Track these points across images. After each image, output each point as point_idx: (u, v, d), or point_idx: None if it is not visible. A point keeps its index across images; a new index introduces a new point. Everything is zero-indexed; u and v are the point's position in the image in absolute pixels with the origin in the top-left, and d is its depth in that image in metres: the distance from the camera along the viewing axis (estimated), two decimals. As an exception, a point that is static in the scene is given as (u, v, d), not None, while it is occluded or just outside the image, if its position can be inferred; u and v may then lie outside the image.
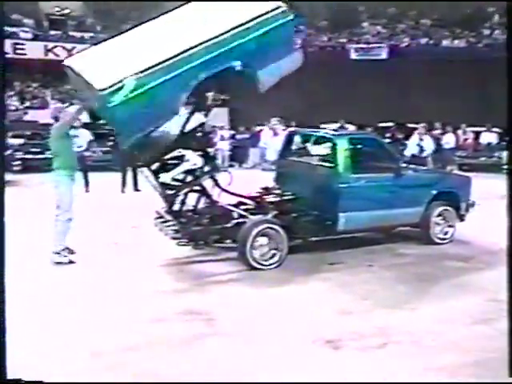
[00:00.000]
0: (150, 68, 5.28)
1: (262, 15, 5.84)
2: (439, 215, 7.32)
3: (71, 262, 6.30)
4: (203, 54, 5.49)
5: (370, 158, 7.36)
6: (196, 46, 5.48)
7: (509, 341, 3.37)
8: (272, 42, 5.82)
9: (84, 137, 12.18)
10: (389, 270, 6.26)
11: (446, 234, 7.39)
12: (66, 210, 6.30)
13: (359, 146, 7.32)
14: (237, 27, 5.72)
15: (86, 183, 12.24)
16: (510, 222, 3.27)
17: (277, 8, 5.94)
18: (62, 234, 6.32)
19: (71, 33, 27.53)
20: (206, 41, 5.53)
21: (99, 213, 9.45)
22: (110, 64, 5.58)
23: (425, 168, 10.03)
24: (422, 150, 13.00)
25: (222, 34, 5.63)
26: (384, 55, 24.66)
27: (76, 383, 3.62)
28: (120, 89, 5.11)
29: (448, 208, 7.33)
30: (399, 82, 21.77)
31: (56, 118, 6.77)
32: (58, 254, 6.30)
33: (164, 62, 5.34)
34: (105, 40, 6.40)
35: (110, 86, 5.15)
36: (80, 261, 6.40)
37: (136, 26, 6.40)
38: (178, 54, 5.40)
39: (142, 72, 5.24)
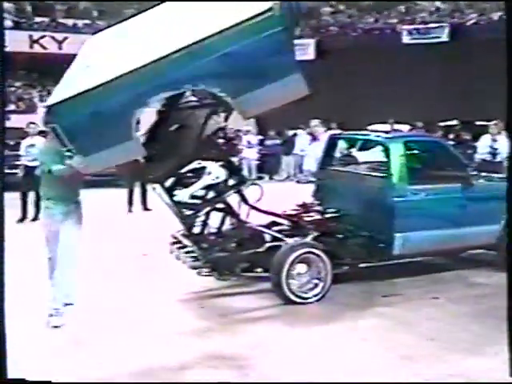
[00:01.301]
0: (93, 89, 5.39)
1: (239, 24, 5.28)
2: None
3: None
4: (153, 76, 5.33)
5: (432, 165, 7.41)
6: (149, 64, 5.31)
7: (508, 340, 3.54)
8: (254, 60, 5.31)
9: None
10: (458, 303, 6.27)
11: (529, 257, 7.36)
12: (67, 266, 5.81)
13: (417, 151, 7.38)
14: (204, 39, 5.30)
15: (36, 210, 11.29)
16: (510, 222, 3.59)
17: (262, 13, 5.24)
18: (62, 293, 5.82)
19: (61, 20, 27.85)
20: (161, 58, 5.32)
21: (102, 237, 9.65)
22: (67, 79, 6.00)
23: (501, 176, 9.99)
24: (495, 153, 12.94)
25: (183, 48, 5.31)
26: (445, 37, 24.54)
27: (79, 383, 3.75)
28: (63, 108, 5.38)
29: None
30: (464, 70, 21.65)
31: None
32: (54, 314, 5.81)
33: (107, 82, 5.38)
34: (101, 29, 6.65)
35: (54, 105, 5.43)
36: (81, 298, 6.56)
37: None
38: (124, 74, 5.37)
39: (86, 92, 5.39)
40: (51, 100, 5.60)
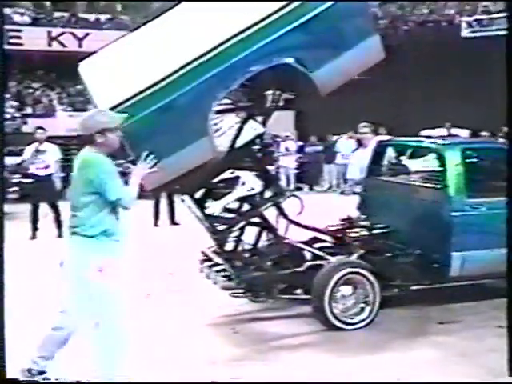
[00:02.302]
0: (166, 78, 5.39)
1: None
2: None
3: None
4: (233, 54, 5.49)
5: (494, 176, 7.34)
6: (221, 45, 5.48)
7: (508, 340, 3.79)
8: (330, 27, 5.70)
9: (52, 154, 11.92)
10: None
11: None
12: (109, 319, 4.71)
13: (477, 160, 7.32)
14: (273, 14, 5.61)
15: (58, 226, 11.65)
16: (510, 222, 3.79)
17: None
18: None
19: (82, 15, 28.33)
20: (234, 36, 5.51)
21: (125, 253, 9.77)
22: (117, 74, 5.82)
23: None
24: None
25: (255, 24, 5.56)
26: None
27: (79, 383, 3.74)
28: (130, 107, 5.23)
29: None
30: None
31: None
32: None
33: (181, 69, 5.41)
34: (125, 24, 6.64)
35: (116, 106, 5.24)
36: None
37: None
38: (194, 61, 5.45)
39: (156, 84, 5.38)
40: (103, 104, 5.27)
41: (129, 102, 5.25)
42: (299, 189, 17.50)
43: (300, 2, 5.62)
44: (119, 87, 5.53)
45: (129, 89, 5.38)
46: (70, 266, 4.66)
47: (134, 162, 5.17)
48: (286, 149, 19.04)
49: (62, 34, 26.41)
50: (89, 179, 4.56)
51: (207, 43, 5.51)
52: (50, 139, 12.29)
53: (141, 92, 5.29)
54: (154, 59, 5.74)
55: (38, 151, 11.68)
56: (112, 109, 5.08)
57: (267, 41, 5.53)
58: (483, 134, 17.64)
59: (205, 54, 5.43)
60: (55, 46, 26.23)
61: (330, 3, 5.67)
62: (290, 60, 5.66)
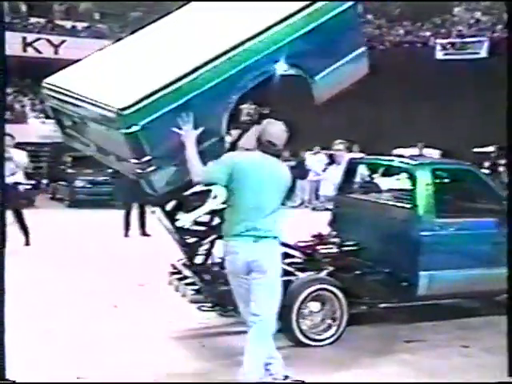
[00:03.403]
0: (180, 79, 5.35)
1: (309, 5, 5.93)
2: None
3: None
4: (246, 57, 5.59)
5: (463, 196, 7.44)
6: (235, 47, 5.57)
7: (508, 340, 3.76)
8: (329, 36, 5.97)
9: (19, 161, 11.70)
10: (492, 353, 6.22)
11: None
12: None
13: (447, 180, 7.40)
14: (283, 20, 5.84)
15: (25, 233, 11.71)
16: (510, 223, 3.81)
17: None
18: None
19: (59, 21, 28.22)
20: (247, 40, 5.64)
21: (94, 263, 9.73)
22: (119, 79, 5.75)
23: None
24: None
25: (267, 29, 5.74)
26: (483, 53, 24.63)
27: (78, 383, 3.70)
28: (144, 108, 5.18)
29: None
30: (504, 90, 21.65)
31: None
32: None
33: (198, 69, 5.41)
34: (103, 33, 6.65)
35: (133, 105, 5.14)
36: (69, 328, 6.63)
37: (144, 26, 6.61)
38: (215, 59, 5.48)
39: (170, 85, 5.32)
40: (119, 102, 5.18)
41: (142, 103, 5.16)
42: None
43: (303, 13, 5.86)
44: (129, 88, 5.44)
45: (139, 90, 5.31)
46: (260, 267, 4.90)
47: (149, 163, 5.17)
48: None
49: (38, 39, 26.26)
50: (285, 185, 5.10)
51: (217, 47, 5.58)
52: (21, 146, 12.17)
53: (152, 93, 5.22)
54: (164, 61, 5.75)
55: (7, 159, 11.52)
56: (126, 108, 5.07)
57: (274, 47, 5.69)
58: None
59: (216, 57, 5.47)
60: (30, 52, 26.07)
61: (330, 14, 5.94)
62: (291, 67, 5.86)
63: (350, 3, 6.08)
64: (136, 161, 5.21)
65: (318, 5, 5.93)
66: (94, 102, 5.40)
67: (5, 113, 3.44)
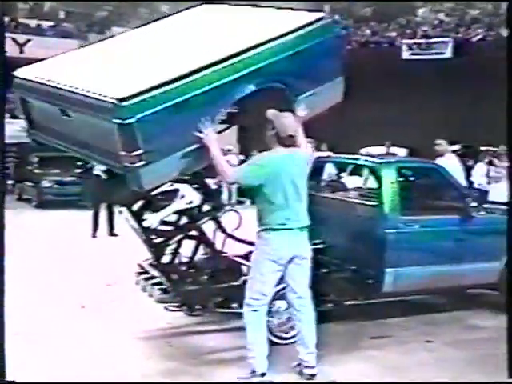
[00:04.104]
0: (178, 79, 5.38)
1: (302, 27, 6.07)
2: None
3: None
4: (240, 68, 5.65)
5: (428, 194, 7.50)
6: (232, 57, 5.65)
7: (508, 341, 3.88)
8: (314, 60, 6.03)
9: None
10: (455, 347, 6.33)
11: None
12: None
13: (413, 178, 7.47)
14: (273, 40, 5.92)
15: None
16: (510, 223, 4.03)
17: (319, 19, 6.19)
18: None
19: (23, 20, 27.83)
20: (242, 52, 5.72)
21: (62, 263, 9.65)
22: (116, 72, 5.77)
23: (503, 207, 10.13)
24: (489, 182, 13.05)
25: (258, 45, 5.82)
26: (448, 53, 24.90)
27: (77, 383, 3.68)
28: (142, 102, 5.16)
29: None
30: (468, 90, 21.90)
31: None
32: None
33: (193, 73, 5.45)
34: (69, 32, 6.67)
35: (131, 97, 5.11)
36: (36, 328, 6.56)
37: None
38: (211, 65, 5.53)
39: (169, 83, 5.33)
40: (118, 93, 5.14)
41: (140, 97, 5.13)
42: (241, 202, 17.45)
43: (295, 34, 5.98)
44: (127, 82, 5.43)
45: (138, 84, 5.29)
46: (300, 253, 5.39)
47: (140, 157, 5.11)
48: (228, 163, 18.96)
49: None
50: (306, 176, 5.54)
51: (217, 53, 5.65)
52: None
53: (151, 89, 5.20)
54: (163, 60, 5.81)
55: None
56: (125, 99, 5.04)
57: (266, 62, 5.73)
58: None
59: (214, 63, 5.52)
60: (-9, 52, 25.81)
61: (319, 39, 6.05)
62: (279, 84, 5.89)
63: (339, 32, 6.43)
64: (126, 153, 5.12)
65: (310, 28, 6.07)
66: (86, 93, 5.33)
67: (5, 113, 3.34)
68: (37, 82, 6.01)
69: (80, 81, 5.59)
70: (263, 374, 5.27)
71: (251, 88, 5.69)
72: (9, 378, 4.76)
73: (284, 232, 5.29)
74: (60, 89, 5.64)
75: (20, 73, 6.33)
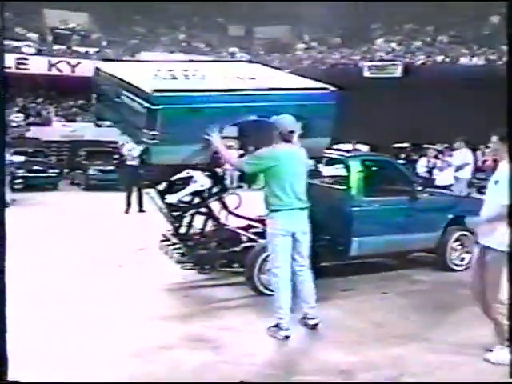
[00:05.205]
0: (200, 91, 5.50)
1: (311, 89, 6.19)
2: (456, 240, 7.34)
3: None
4: (257, 99, 5.68)
5: (384, 181, 7.43)
6: (248, 90, 5.71)
7: (509, 341, 3.54)
8: (315, 116, 5.84)
9: None
10: (403, 297, 6.29)
11: (462, 260, 7.40)
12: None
13: (373, 168, 7.38)
14: (279, 89, 5.98)
15: None
16: (510, 224, 3.68)
17: (325, 88, 6.26)
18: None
19: (76, 48, 27.87)
20: (264, 89, 5.79)
21: (103, 234, 9.57)
22: (157, 77, 5.91)
23: (441, 191, 10.07)
24: (430, 171, 13.03)
25: (274, 89, 5.91)
26: (398, 73, 24.84)
27: (77, 383, 3.73)
28: (167, 97, 5.31)
29: (465, 233, 7.31)
30: (414, 101, 21.89)
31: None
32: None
33: (211, 91, 5.57)
34: (109, 56, 6.84)
35: (164, 91, 5.32)
36: (84, 283, 6.49)
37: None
38: (227, 90, 5.61)
39: (192, 91, 5.47)
40: (151, 86, 5.38)
41: (166, 93, 5.35)
42: (240, 187, 17.27)
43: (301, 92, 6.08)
44: (162, 83, 5.67)
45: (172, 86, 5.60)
46: (301, 229, 5.14)
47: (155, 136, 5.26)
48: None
49: (59, 62, 25.98)
50: (307, 165, 5.42)
51: (235, 85, 5.81)
52: (47, 143, 11.88)
53: (179, 90, 5.50)
54: (199, 77, 5.99)
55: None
56: (156, 91, 5.25)
57: (272, 104, 5.65)
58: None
59: (229, 90, 5.63)
60: (54, 71, 25.77)
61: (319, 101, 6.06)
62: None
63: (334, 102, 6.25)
64: (146, 131, 5.30)
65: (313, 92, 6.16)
66: (135, 84, 5.61)
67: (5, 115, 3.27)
68: (107, 73, 6.34)
69: (132, 77, 5.83)
70: (287, 329, 5.03)
71: (253, 117, 5.71)
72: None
73: (288, 212, 5.07)
74: (120, 79, 5.93)
75: (97, 65, 6.86)
